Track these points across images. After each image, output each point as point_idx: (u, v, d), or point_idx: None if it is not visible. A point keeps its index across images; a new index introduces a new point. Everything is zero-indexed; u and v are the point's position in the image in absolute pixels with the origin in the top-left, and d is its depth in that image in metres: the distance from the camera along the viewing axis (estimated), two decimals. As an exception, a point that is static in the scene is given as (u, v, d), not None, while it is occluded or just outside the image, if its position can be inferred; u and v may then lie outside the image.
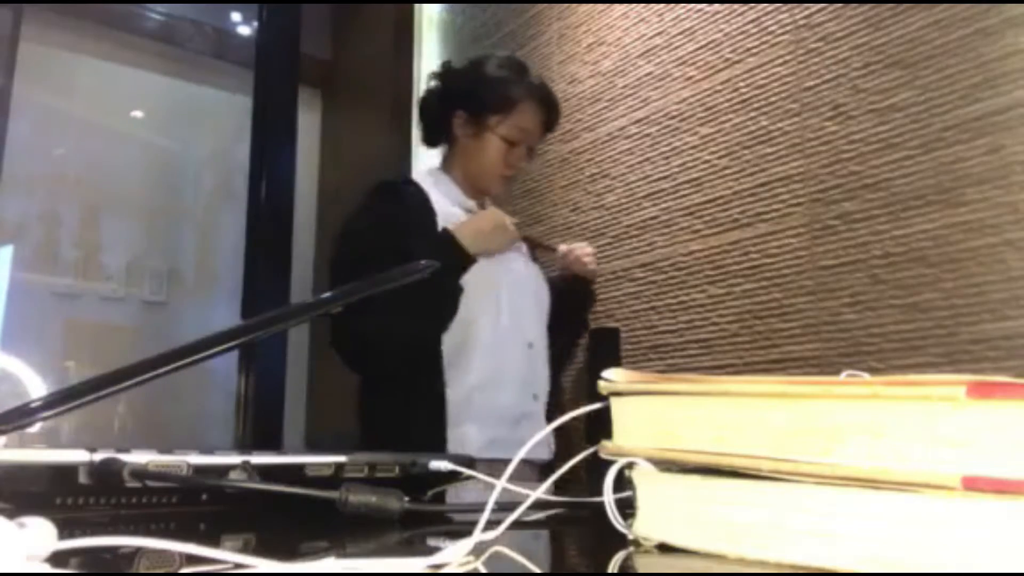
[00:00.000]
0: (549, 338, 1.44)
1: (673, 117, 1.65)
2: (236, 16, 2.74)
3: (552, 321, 1.46)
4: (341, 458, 0.50)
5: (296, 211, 2.44)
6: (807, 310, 1.37)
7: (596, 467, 0.39)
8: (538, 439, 0.39)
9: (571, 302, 1.53)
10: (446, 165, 1.42)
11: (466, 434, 1.24)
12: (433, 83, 1.45)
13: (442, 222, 1.30)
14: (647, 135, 1.71)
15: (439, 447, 1.19)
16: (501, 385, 1.29)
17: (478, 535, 0.31)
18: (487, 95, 1.36)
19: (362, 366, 1.32)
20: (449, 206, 1.35)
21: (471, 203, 1.38)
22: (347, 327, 1.25)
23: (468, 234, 1.26)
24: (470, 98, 1.38)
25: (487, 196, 1.44)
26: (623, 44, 1.79)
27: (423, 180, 1.39)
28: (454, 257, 1.24)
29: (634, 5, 1.78)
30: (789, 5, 1.45)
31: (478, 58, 1.44)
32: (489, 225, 1.30)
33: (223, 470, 0.45)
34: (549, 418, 1.37)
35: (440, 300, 1.25)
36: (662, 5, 1.71)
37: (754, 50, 1.51)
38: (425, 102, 1.44)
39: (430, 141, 1.45)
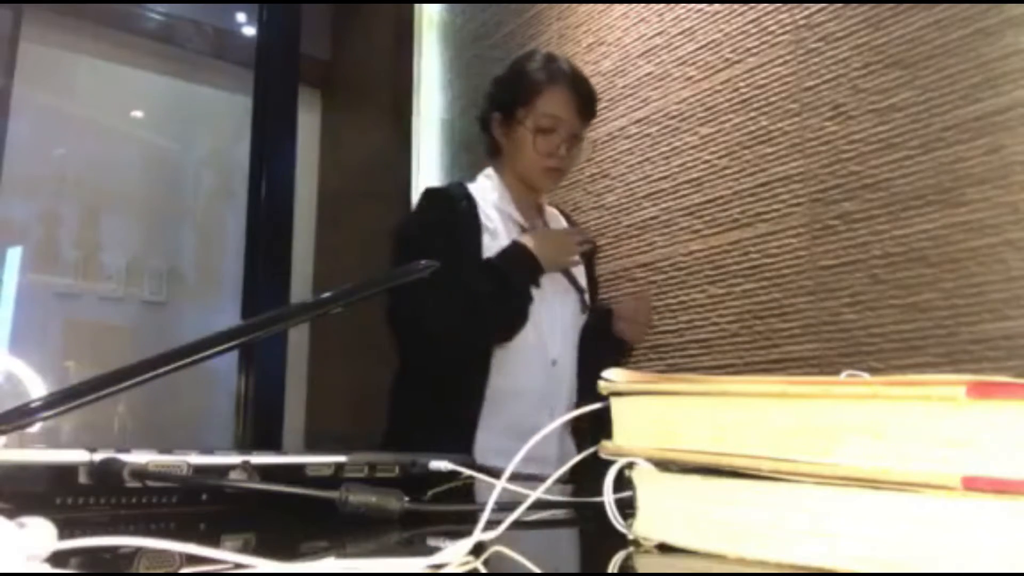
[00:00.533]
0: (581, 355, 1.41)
1: (673, 117, 1.65)
2: (236, 16, 2.74)
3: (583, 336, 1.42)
4: (341, 458, 0.50)
5: (296, 211, 2.44)
6: (807, 310, 1.37)
7: (596, 467, 0.40)
8: (535, 441, 0.39)
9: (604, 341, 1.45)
10: (500, 169, 1.42)
11: (474, 440, 1.25)
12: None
13: (487, 231, 1.32)
14: (647, 135, 1.71)
15: (453, 449, 1.20)
16: (517, 398, 1.29)
17: (478, 535, 0.31)
18: (512, 89, 1.37)
19: (419, 359, 1.34)
20: (493, 213, 1.35)
21: (515, 211, 1.37)
22: (418, 322, 1.25)
23: (537, 247, 1.29)
24: (501, 97, 1.39)
25: (538, 193, 1.43)
26: (623, 44, 1.79)
27: (475, 184, 1.40)
28: (530, 267, 1.27)
29: (634, 5, 1.78)
30: (789, 5, 1.45)
31: (514, 59, 1.45)
32: (556, 244, 1.33)
33: (223, 470, 0.45)
34: (576, 435, 1.36)
35: (516, 307, 1.28)
36: (662, 5, 1.71)
37: (754, 50, 1.51)
38: (480, 116, 1.46)
39: (489, 152, 1.45)
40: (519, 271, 1.28)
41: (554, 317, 1.35)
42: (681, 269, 1.59)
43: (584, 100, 1.39)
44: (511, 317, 1.28)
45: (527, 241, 1.30)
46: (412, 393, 1.34)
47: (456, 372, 1.29)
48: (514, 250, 1.29)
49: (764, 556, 0.31)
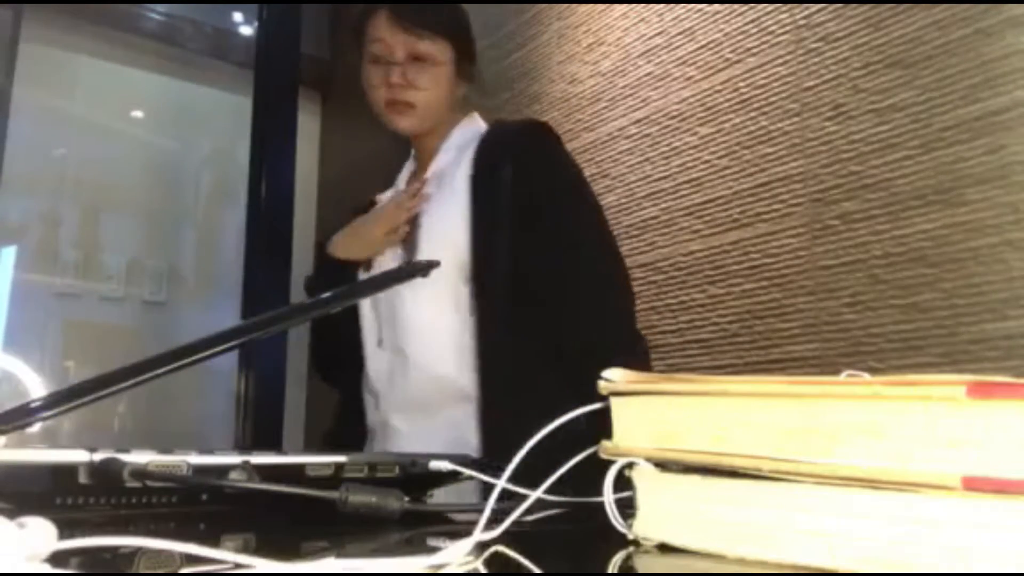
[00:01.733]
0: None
1: (673, 117, 1.65)
2: (236, 16, 2.74)
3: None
4: (341, 458, 0.50)
5: (296, 211, 2.44)
6: (807, 310, 1.37)
7: (596, 467, 0.39)
8: (533, 443, 0.39)
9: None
10: None
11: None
12: None
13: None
14: (647, 135, 1.71)
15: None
16: (367, 399, 1.19)
17: (478, 535, 0.31)
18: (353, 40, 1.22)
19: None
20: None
21: (403, 182, 1.27)
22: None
23: (342, 237, 1.16)
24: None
25: (427, 139, 1.27)
26: (623, 44, 1.79)
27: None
28: (324, 266, 1.15)
29: (634, 5, 1.77)
30: (789, 5, 1.45)
31: None
32: (364, 226, 1.15)
33: (223, 470, 0.45)
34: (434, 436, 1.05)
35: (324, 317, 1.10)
36: (662, 5, 1.71)
37: (754, 50, 1.51)
38: None
39: None
40: (327, 281, 1.10)
41: (404, 308, 1.07)
42: (681, 269, 1.59)
43: (401, 9, 1.12)
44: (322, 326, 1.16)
45: (335, 243, 1.16)
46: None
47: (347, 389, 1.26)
48: (321, 263, 1.15)
49: (764, 556, 0.31)
